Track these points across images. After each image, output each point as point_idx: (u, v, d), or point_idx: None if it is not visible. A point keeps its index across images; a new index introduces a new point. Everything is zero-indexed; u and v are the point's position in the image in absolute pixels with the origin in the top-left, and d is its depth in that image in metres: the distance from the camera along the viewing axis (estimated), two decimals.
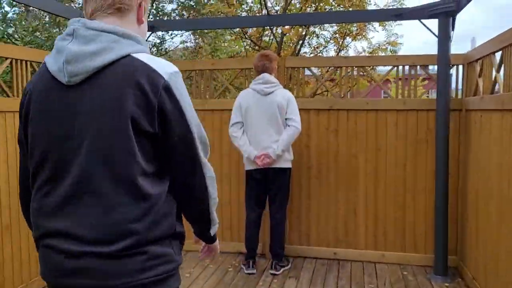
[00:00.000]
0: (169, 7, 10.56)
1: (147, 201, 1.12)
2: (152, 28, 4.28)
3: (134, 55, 1.13)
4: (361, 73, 4.19)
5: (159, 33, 10.30)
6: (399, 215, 3.86)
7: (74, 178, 1.11)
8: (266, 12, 3.85)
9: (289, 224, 4.08)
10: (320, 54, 8.15)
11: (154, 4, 9.89)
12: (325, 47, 8.06)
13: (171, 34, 10.60)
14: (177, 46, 11.64)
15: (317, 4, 6.89)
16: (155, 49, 11.48)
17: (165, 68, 1.14)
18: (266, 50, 4.08)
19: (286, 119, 3.49)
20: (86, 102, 1.10)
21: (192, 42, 11.45)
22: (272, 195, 3.64)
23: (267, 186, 3.63)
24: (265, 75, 3.52)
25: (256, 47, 7.90)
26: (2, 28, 7.95)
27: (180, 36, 11.27)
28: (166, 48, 11.65)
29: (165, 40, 10.97)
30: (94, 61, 1.09)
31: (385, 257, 3.89)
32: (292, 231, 4.10)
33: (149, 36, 8.76)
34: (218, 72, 4.29)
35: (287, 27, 6.41)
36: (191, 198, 1.24)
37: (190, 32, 10.83)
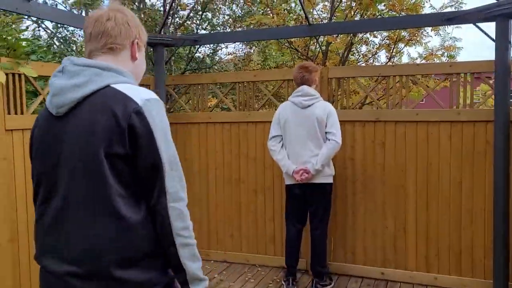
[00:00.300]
0: (220, 18, 10.74)
1: (123, 222, 1.16)
2: (195, 41, 4.33)
3: (113, 85, 1.21)
4: (411, 81, 3.93)
5: (211, 44, 10.48)
6: (454, 236, 3.55)
7: (60, 201, 1.20)
8: (307, 21, 3.73)
9: (333, 240, 3.91)
10: (370, 62, 7.82)
11: (202, 16, 10.11)
12: (375, 54, 7.71)
13: (216, 46, 10.75)
14: (225, 58, 11.81)
15: (362, 11, 6.60)
16: (208, 59, 11.72)
17: (140, 95, 1.20)
18: (306, 61, 3.97)
19: (326, 132, 3.35)
20: (69, 131, 1.20)
21: (242, 52, 11.56)
22: (312, 211, 3.51)
23: (307, 202, 3.50)
24: (304, 87, 3.41)
25: (303, 57, 7.75)
26: (64, 46, 8.51)
27: (226, 47, 11.42)
28: (220, 58, 11.84)
29: (217, 51, 11.15)
30: (76, 93, 1.19)
31: (438, 280, 3.59)
32: (336, 247, 3.92)
33: (198, 49, 8.93)
34: (260, 83, 4.24)
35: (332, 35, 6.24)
36: (156, 228, 1.21)
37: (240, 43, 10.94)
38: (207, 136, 4.34)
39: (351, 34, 6.80)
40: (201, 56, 10.97)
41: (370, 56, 7.84)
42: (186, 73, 8.87)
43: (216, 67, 11.21)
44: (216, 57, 11.65)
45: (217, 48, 11.02)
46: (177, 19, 10.24)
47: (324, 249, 3.53)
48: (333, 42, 6.68)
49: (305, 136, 3.37)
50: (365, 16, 6.84)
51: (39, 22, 8.58)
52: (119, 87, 1.21)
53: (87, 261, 1.15)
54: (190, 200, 4.51)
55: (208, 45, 10.75)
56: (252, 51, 11.35)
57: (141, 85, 4.44)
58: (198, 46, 8.18)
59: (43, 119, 1.28)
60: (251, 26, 7.33)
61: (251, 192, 4.20)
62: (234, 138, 4.23)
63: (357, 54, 8.17)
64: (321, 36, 6.99)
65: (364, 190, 3.80)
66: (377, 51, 7.61)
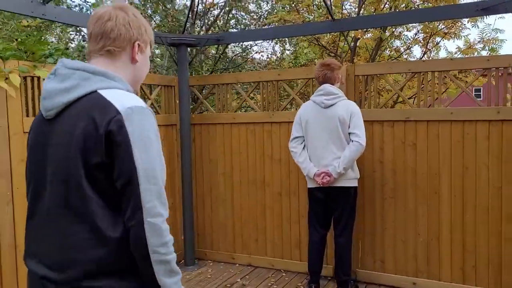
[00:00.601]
0: (250, 15, 10.64)
1: (99, 233, 1.13)
2: (218, 40, 4.25)
3: (100, 91, 1.18)
4: (444, 78, 3.65)
5: (244, 43, 10.40)
6: (494, 246, 3.26)
7: (44, 205, 1.20)
8: (331, 16, 3.54)
9: (361, 247, 3.71)
10: (404, 58, 7.41)
11: (228, 16, 10.06)
12: (408, 48, 7.28)
13: (243, 45, 10.66)
14: (251, 57, 11.70)
15: (392, 3, 6.24)
16: (240, 58, 11.68)
17: (124, 102, 1.15)
18: (328, 59, 3.78)
19: (349, 133, 3.16)
20: (54, 135, 1.19)
21: (271, 50, 11.44)
22: (336, 216, 3.33)
23: (330, 206, 3.32)
24: (326, 86, 3.23)
25: (331, 54, 7.48)
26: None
27: (255, 45, 11.34)
28: (251, 58, 11.77)
29: (247, 49, 11.08)
30: (64, 97, 1.18)
31: None
32: (365, 254, 3.72)
33: (224, 49, 8.87)
34: (284, 82, 4.09)
35: (359, 31, 5.93)
36: (131, 244, 1.15)
37: (268, 41, 10.80)
38: (231, 137, 4.25)
39: (382, 29, 6.47)
40: (232, 56, 10.92)
41: (403, 51, 7.43)
42: (215, 73, 8.87)
43: (248, 67, 11.14)
44: (248, 56, 11.58)
45: (247, 47, 10.94)
46: (210, 19, 10.24)
47: (348, 257, 3.34)
48: (361, 37, 6.36)
49: (327, 137, 3.20)
50: (398, 9, 6.48)
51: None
52: (105, 93, 1.17)
53: (61, 268, 1.15)
54: (214, 200, 4.39)
55: (238, 45, 10.68)
56: (284, 49, 11.18)
57: (165, 86, 4.36)
58: (225, 45, 8.12)
59: (37, 121, 1.28)
60: (277, 24, 7.17)
61: (276, 195, 4.07)
62: (258, 139, 4.12)
63: (388, 49, 7.76)
64: (351, 32, 6.72)
65: (394, 195, 3.57)
66: (410, 45, 7.19)
